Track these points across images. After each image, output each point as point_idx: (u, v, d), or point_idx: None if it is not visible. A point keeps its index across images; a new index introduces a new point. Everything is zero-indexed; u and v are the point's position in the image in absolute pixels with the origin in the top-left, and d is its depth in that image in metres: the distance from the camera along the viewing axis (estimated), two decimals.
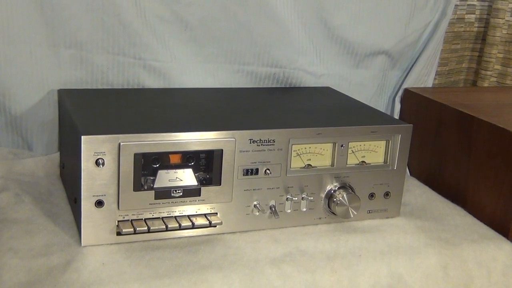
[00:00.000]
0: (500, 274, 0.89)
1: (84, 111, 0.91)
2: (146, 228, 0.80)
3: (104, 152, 0.77)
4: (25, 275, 0.72)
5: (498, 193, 0.96)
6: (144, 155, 0.79)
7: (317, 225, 0.91)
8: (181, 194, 0.82)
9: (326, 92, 1.17)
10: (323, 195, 0.91)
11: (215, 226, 0.85)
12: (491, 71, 1.36)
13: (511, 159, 0.93)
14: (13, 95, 1.03)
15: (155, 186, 0.81)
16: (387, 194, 0.95)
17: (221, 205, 0.85)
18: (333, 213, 0.91)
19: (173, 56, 1.09)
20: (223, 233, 0.86)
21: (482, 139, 1.00)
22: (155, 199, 0.81)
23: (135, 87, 1.09)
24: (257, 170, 0.86)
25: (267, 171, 0.86)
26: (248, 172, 0.85)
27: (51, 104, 1.06)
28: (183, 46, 1.10)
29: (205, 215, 0.84)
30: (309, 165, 0.89)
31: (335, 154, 0.90)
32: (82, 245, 0.80)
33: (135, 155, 0.79)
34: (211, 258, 0.79)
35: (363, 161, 0.93)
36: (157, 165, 0.81)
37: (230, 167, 0.84)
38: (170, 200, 0.82)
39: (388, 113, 1.28)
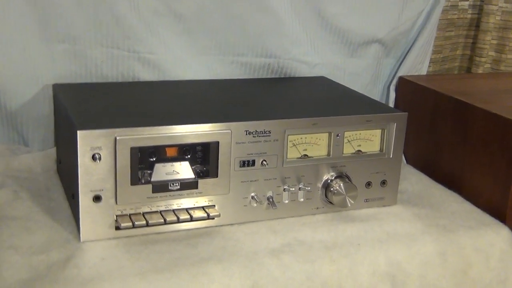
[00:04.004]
0: (498, 259, 0.89)
1: (79, 106, 0.91)
2: (144, 222, 0.80)
3: (100, 147, 0.77)
4: (26, 272, 0.72)
5: (494, 179, 0.96)
6: (141, 149, 0.79)
7: (315, 215, 0.92)
8: (179, 187, 0.82)
9: (321, 82, 1.16)
10: (320, 185, 0.91)
11: (213, 219, 0.85)
12: (485, 57, 1.37)
13: (506, 145, 0.94)
14: (8, 91, 1.03)
15: (152, 180, 0.81)
16: (383, 182, 0.95)
17: (219, 197, 0.85)
18: (330, 202, 0.91)
19: (167, 49, 1.09)
20: (221, 225, 0.86)
21: (478, 125, 1.00)
22: (152, 192, 0.81)
23: (130, 80, 1.09)
24: (253, 161, 0.86)
25: (264, 162, 0.86)
26: (244, 163, 0.85)
27: (46, 99, 1.05)
28: (177, 38, 1.09)
29: (203, 207, 0.85)
30: (305, 155, 0.90)
31: (331, 144, 0.90)
32: (81, 240, 0.80)
33: (132, 149, 0.78)
34: (210, 250, 0.80)
35: (359, 150, 0.93)
36: (154, 159, 0.81)
37: (226, 159, 0.84)
38: (167, 194, 0.82)
39: (383, 101, 1.28)
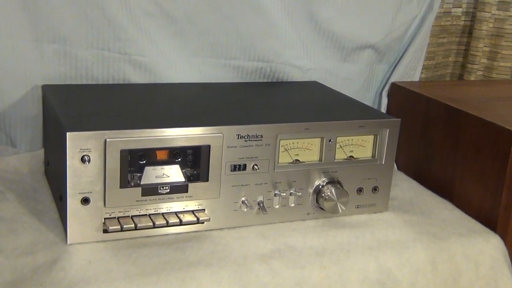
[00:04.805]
0: (488, 267, 0.89)
1: (68, 107, 0.90)
2: (133, 225, 0.79)
3: (89, 149, 0.76)
4: (10, 274, 0.71)
5: (485, 186, 0.96)
6: (131, 152, 0.78)
7: (305, 221, 0.91)
8: (168, 190, 0.82)
9: (313, 87, 1.16)
10: (311, 191, 0.90)
11: (203, 223, 0.84)
12: (478, 64, 1.37)
13: (498, 152, 0.94)
14: None
15: (142, 183, 0.80)
16: (375, 188, 0.94)
17: (209, 202, 0.84)
18: (321, 208, 0.91)
19: (158, 51, 1.08)
20: (211, 230, 0.85)
21: (469, 133, 1.00)
22: (142, 196, 0.80)
23: (120, 82, 1.08)
24: (245, 165, 0.85)
25: (255, 166, 0.85)
26: (235, 168, 0.85)
27: (35, 100, 1.04)
28: (168, 40, 1.09)
29: (192, 211, 0.84)
30: (297, 160, 0.89)
31: (323, 149, 0.90)
32: (68, 243, 0.79)
33: (121, 151, 0.78)
34: (199, 255, 0.79)
35: (351, 156, 0.92)
36: (144, 162, 0.80)
37: (217, 163, 0.83)
38: (157, 197, 0.81)
39: (375, 107, 1.27)
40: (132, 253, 0.78)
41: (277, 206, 0.89)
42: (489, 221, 0.95)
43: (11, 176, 0.97)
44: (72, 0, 1.00)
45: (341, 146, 0.91)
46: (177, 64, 1.11)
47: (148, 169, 0.80)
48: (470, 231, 0.93)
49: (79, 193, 0.77)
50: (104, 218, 0.79)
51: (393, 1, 1.21)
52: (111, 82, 1.07)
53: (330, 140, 0.90)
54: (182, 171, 0.82)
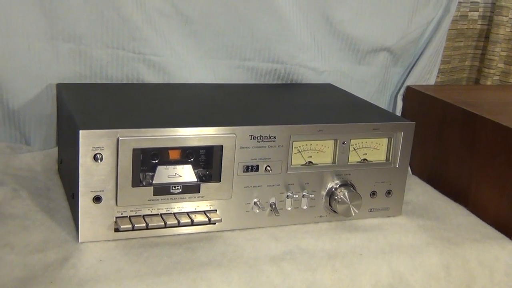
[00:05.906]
0: (503, 274, 0.88)
1: (82, 106, 0.90)
2: (144, 224, 0.79)
3: (102, 147, 0.76)
4: (21, 271, 0.71)
5: (501, 192, 0.95)
6: (143, 151, 0.78)
7: (318, 223, 0.90)
8: (180, 190, 0.81)
9: (328, 89, 1.15)
10: (324, 193, 0.90)
11: (215, 223, 0.84)
12: (494, 69, 1.36)
13: None
14: (11, 89, 1.02)
15: (154, 182, 0.80)
16: (389, 192, 0.94)
17: (221, 202, 0.84)
18: (334, 211, 0.90)
19: (173, 51, 1.08)
20: (222, 231, 0.85)
21: (485, 137, 0.99)
22: (153, 195, 0.80)
23: (135, 81, 1.08)
24: (257, 166, 0.85)
25: (268, 168, 0.85)
26: (248, 168, 0.84)
27: (49, 98, 1.04)
28: (183, 41, 1.09)
29: (204, 212, 0.83)
30: (310, 162, 0.88)
31: (337, 151, 0.89)
32: (79, 241, 0.78)
33: (134, 150, 0.77)
34: (210, 255, 0.78)
35: (364, 159, 0.92)
36: (156, 161, 0.80)
37: (230, 163, 0.83)
38: (169, 197, 0.81)
39: (390, 110, 1.27)
40: (143, 252, 0.77)
41: (289, 208, 0.88)
42: (505, 227, 0.93)
43: (24, 173, 0.98)
44: (88, 0, 1.00)
45: (354, 149, 0.90)
46: (191, 64, 1.10)
47: (160, 169, 0.80)
48: (485, 237, 0.92)
49: (91, 191, 0.77)
50: (116, 217, 0.79)
51: (409, 4, 1.20)
52: (125, 81, 1.07)
53: (343, 143, 0.89)
54: (194, 171, 0.82)
